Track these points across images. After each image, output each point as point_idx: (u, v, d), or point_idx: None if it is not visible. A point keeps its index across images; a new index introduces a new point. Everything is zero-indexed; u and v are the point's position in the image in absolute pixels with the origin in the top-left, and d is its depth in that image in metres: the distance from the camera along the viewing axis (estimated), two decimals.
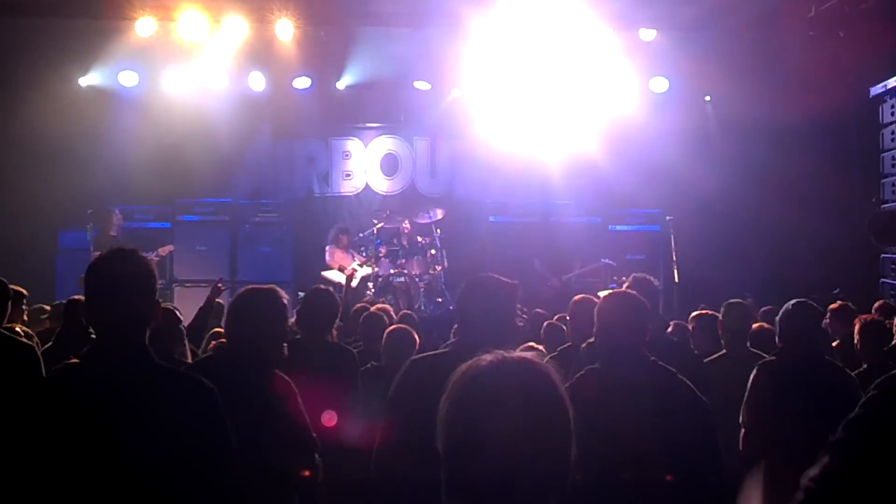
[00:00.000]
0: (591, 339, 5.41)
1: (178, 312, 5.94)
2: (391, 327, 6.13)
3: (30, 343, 5.41)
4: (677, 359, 4.40)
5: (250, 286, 4.25)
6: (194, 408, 2.76)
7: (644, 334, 3.87)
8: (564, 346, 6.21)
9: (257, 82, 13.88)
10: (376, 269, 13.01)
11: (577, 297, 6.31)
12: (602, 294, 4.45)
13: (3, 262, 10.08)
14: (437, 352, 3.98)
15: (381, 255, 13.11)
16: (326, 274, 12.83)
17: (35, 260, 12.21)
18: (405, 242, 13.40)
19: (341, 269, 12.76)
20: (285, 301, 4.07)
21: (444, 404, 1.80)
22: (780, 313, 5.32)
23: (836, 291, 9.61)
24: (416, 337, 5.89)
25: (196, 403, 2.77)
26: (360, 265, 13.02)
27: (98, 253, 7.87)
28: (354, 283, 12.04)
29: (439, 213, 13.61)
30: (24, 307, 7.22)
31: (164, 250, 12.81)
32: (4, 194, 12.69)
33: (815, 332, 5.29)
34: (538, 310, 9.06)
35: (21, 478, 2.61)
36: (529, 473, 1.72)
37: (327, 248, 13.27)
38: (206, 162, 13.63)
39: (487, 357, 1.82)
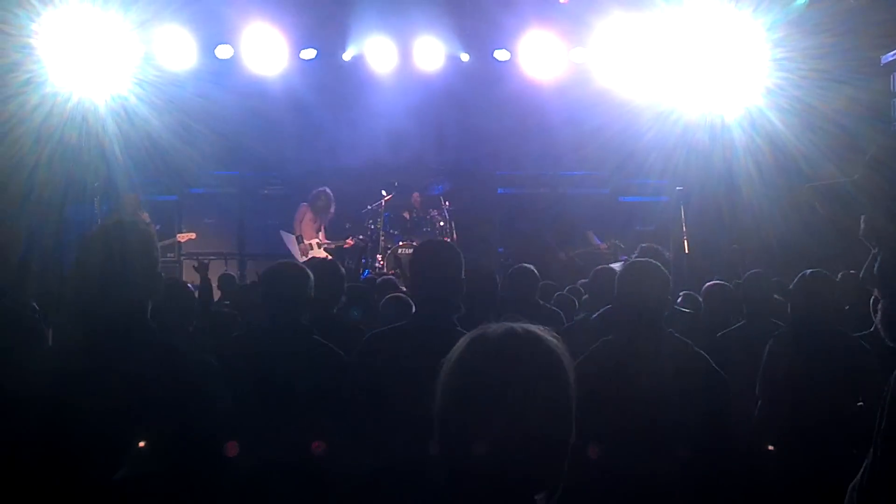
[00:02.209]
0: (603, 309, 5.41)
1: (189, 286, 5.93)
2: (387, 297, 6.12)
3: (35, 317, 5.38)
4: (689, 330, 4.37)
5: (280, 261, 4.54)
6: (193, 384, 2.71)
7: (664, 306, 3.84)
8: (580, 317, 6.21)
9: (265, 54, 13.67)
10: (330, 257, 12.77)
11: (598, 268, 6.35)
12: (616, 265, 4.43)
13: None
14: (395, 326, 3.92)
15: (387, 228, 13.04)
16: (283, 233, 12.64)
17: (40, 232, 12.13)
18: (413, 215, 13.33)
19: (298, 239, 12.58)
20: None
21: (447, 375, 1.76)
22: (793, 284, 5.28)
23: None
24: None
25: (195, 379, 2.73)
26: (319, 245, 12.71)
27: None
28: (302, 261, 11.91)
29: (447, 186, 13.52)
30: None
31: (184, 237, 12.65)
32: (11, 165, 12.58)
33: (827, 303, 5.24)
34: (548, 282, 9.01)
35: (20, 449, 2.58)
36: (526, 452, 1.68)
37: (301, 205, 12.92)
38: (213, 134, 13.48)
39: (495, 328, 1.78)
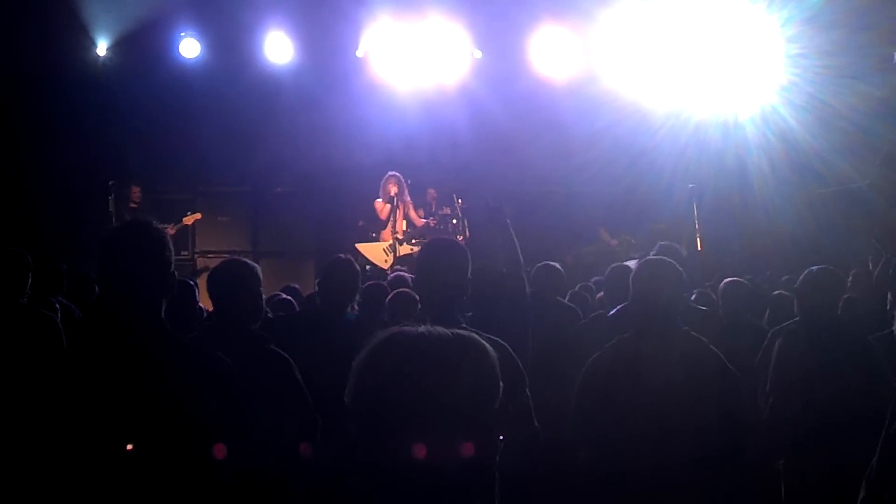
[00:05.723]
0: (620, 306, 5.42)
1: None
2: (393, 292, 6.09)
3: (49, 314, 5.40)
4: (706, 328, 4.37)
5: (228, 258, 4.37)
6: (209, 383, 2.72)
7: (680, 303, 3.84)
8: (595, 314, 6.25)
9: (278, 50, 13.64)
10: (414, 250, 12.29)
11: (613, 265, 6.40)
12: (631, 262, 4.44)
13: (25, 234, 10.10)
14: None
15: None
16: (361, 247, 12.20)
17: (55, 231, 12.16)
18: (427, 212, 13.29)
19: (374, 239, 12.26)
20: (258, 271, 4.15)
21: (362, 371, 1.77)
22: (800, 280, 5.27)
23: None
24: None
25: (212, 378, 2.74)
26: (401, 240, 12.28)
27: None
28: (385, 265, 11.84)
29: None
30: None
31: (190, 218, 12.56)
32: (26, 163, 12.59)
33: (836, 297, 5.24)
34: None
35: (31, 454, 2.58)
36: (445, 456, 1.68)
37: (375, 201, 12.45)
38: (226, 132, 13.44)
39: (411, 326, 1.81)
